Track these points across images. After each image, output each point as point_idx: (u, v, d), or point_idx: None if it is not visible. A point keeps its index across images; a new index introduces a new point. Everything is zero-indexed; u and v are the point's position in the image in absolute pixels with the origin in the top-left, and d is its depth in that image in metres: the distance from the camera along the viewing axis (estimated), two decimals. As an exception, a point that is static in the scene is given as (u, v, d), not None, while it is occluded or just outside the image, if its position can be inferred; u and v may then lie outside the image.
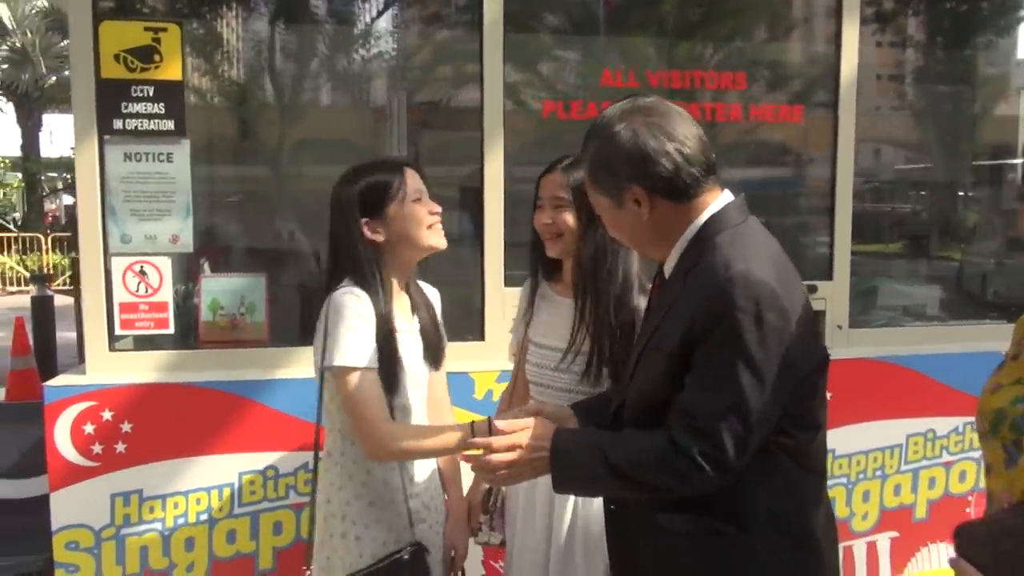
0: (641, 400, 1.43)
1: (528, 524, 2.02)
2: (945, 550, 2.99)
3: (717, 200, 1.38)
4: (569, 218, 1.91)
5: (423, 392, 1.94)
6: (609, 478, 1.37)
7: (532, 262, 2.07)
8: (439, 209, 1.84)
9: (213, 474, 2.43)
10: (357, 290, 1.78)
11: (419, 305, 1.95)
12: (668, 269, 1.42)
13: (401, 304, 1.90)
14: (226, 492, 2.44)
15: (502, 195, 2.61)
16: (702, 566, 1.38)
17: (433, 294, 2.03)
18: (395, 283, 1.88)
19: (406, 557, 1.80)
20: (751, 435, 1.28)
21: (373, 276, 1.81)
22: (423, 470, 1.92)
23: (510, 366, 2.23)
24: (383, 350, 1.77)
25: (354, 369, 1.72)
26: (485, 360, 2.62)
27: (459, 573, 2.01)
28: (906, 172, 3.96)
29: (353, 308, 1.75)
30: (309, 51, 2.81)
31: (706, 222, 1.37)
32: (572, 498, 1.95)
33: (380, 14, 2.90)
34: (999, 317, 3.23)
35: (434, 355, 1.95)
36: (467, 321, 2.66)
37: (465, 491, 2.08)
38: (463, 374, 2.54)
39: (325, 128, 2.94)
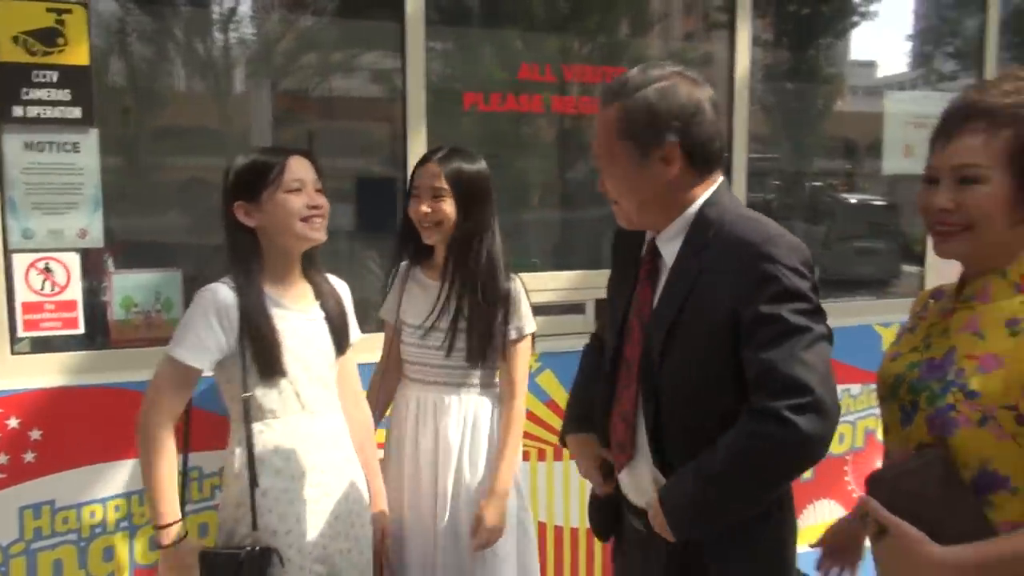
0: (684, 376, 1.44)
1: (415, 504, 2.14)
2: (827, 505, 3.30)
3: (716, 183, 1.49)
4: (447, 207, 2.03)
5: (328, 376, 1.98)
6: (719, 494, 1.37)
7: (401, 248, 2.18)
8: (320, 203, 1.86)
9: (132, 479, 2.32)
10: (219, 284, 1.83)
11: (324, 293, 1.98)
12: (666, 244, 1.50)
13: (297, 291, 1.93)
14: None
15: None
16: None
17: (341, 286, 2.07)
18: (286, 270, 1.91)
19: (240, 557, 1.78)
20: (830, 374, 1.35)
21: (245, 261, 1.84)
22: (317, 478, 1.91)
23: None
24: (253, 337, 1.80)
25: (173, 360, 1.80)
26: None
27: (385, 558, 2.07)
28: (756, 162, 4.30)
29: (199, 305, 1.81)
30: (220, 38, 2.72)
31: (708, 200, 1.47)
32: (453, 470, 2.08)
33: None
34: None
35: (338, 341, 1.99)
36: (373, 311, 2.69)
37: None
38: (372, 364, 2.56)
39: (231, 116, 2.85)
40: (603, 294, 1.79)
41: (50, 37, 2.23)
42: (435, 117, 2.61)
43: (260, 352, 1.81)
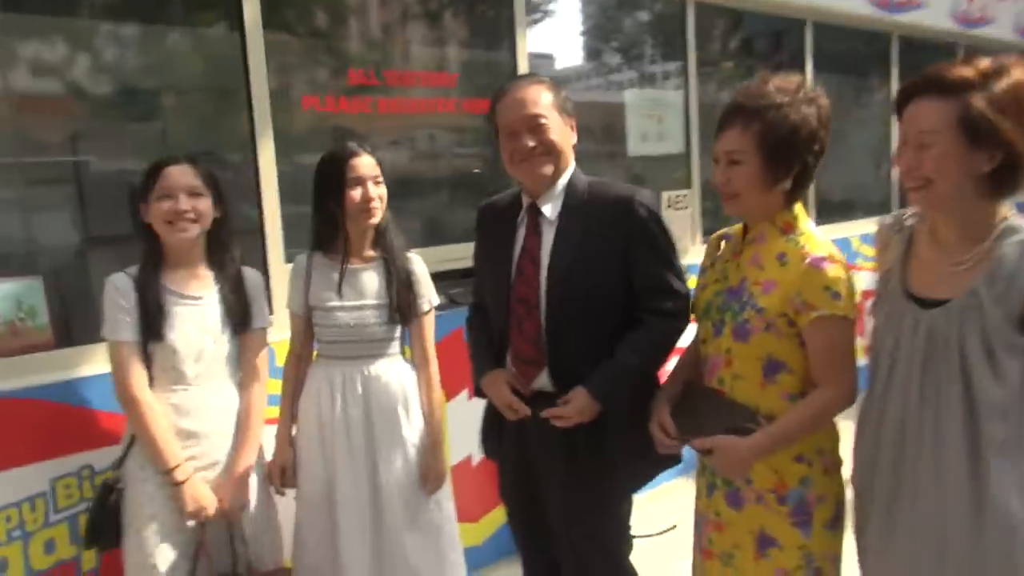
0: (585, 295, 2.00)
1: (347, 468, 2.37)
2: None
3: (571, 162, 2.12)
4: (384, 191, 2.37)
5: (223, 351, 2.26)
6: (648, 367, 2.04)
7: (324, 237, 2.39)
8: (185, 207, 2.14)
9: (21, 486, 2.31)
10: (121, 273, 2.17)
11: (223, 279, 2.27)
12: (546, 204, 2.08)
13: (189, 276, 2.23)
14: (39, 502, 2.34)
15: (276, 185, 2.87)
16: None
17: (252, 275, 2.35)
18: (178, 260, 2.21)
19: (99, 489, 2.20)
20: (684, 279, 2.06)
21: (144, 251, 2.20)
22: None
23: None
24: (144, 318, 2.13)
25: (108, 342, 2.16)
26: (277, 331, 2.87)
27: (203, 526, 2.20)
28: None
29: (105, 292, 2.16)
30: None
31: (573, 173, 2.11)
32: (389, 430, 2.38)
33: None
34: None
35: (234, 322, 2.27)
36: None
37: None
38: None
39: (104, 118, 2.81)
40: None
41: None
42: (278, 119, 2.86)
43: (146, 321, 2.13)
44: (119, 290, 2.14)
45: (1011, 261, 1.54)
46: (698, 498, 2.04)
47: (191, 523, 2.17)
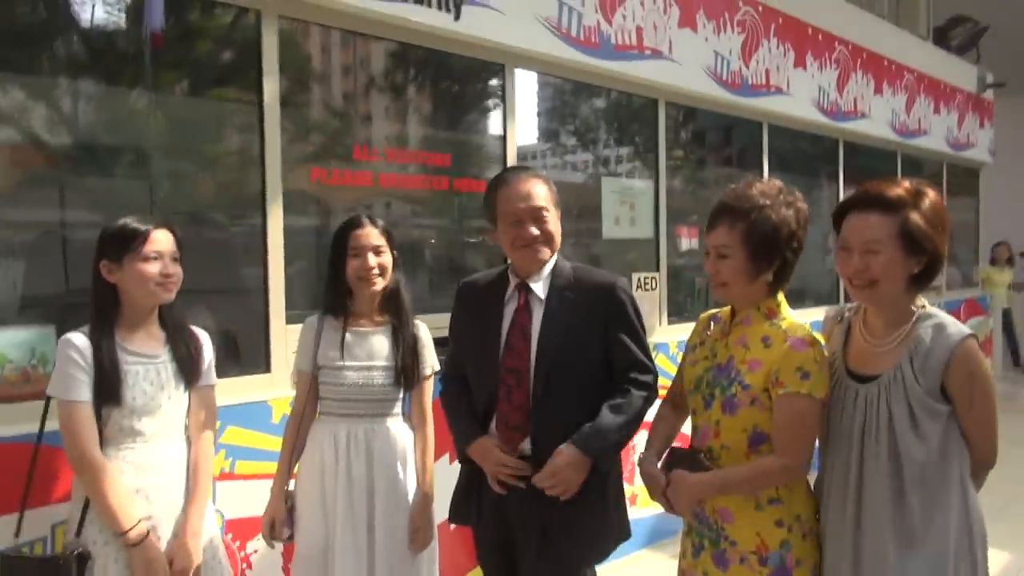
0: (571, 369, 2.21)
1: (347, 522, 2.45)
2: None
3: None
4: (387, 260, 2.53)
5: (178, 408, 2.28)
6: (627, 433, 2.23)
7: (331, 301, 2.53)
8: (172, 272, 2.23)
9: (25, 531, 2.34)
10: (74, 332, 2.17)
11: (174, 339, 2.30)
12: (536, 284, 2.28)
13: (147, 337, 2.26)
14: (37, 547, 2.36)
15: (282, 248, 3.04)
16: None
17: (201, 335, 2.40)
18: (137, 319, 2.23)
19: (59, 560, 2.11)
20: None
21: (101, 310, 2.20)
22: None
23: (292, 393, 2.62)
24: (99, 377, 2.12)
25: (61, 402, 2.13)
26: (274, 389, 2.99)
27: None
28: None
29: (61, 352, 2.15)
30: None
31: (557, 259, 2.34)
32: (385, 488, 2.48)
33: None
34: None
35: (186, 378, 2.29)
36: (253, 356, 3.00)
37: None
38: (261, 403, 2.89)
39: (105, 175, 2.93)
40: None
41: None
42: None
43: (102, 383, 2.12)
44: (78, 349, 2.12)
45: (927, 341, 1.87)
46: (683, 557, 2.19)
47: None
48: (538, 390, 2.22)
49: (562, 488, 2.15)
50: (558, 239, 2.31)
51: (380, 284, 2.51)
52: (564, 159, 4.86)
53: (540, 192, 2.27)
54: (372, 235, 2.49)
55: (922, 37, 7.94)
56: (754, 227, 1.97)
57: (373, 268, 2.47)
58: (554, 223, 2.29)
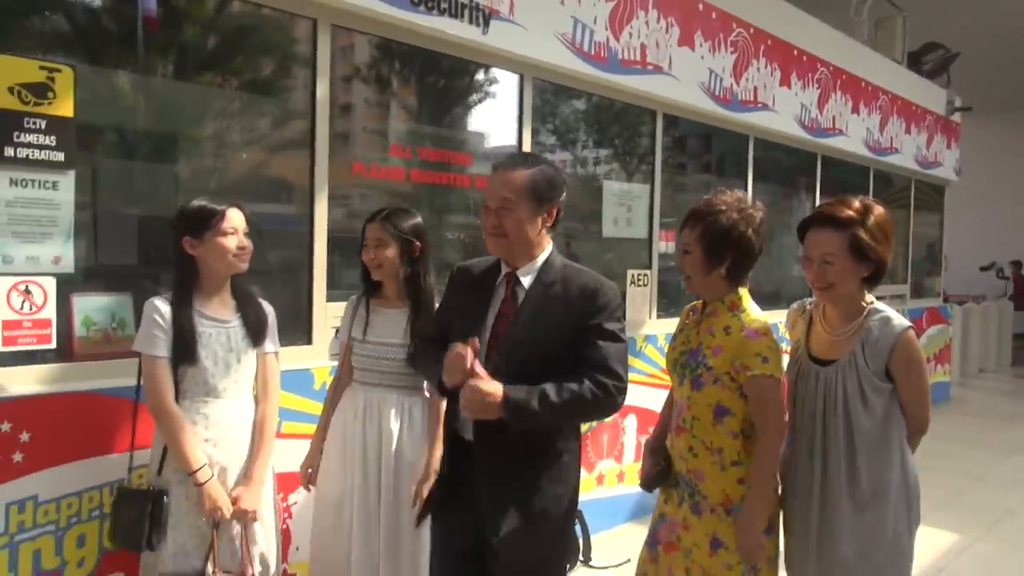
0: (538, 358, 2.16)
1: (361, 476, 2.76)
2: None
3: (549, 243, 2.33)
4: (388, 253, 2.80)
5: (246, 368, 2.60)
6: (547, 415, 2.07)
7: (364, 284, 2.90)
8: (246, 244, 2.57)
9: (104, 472, 2.66)
10: (156, 297, 2.51)
11: (244, 306, 2.64)
12: (524, 276, 2.26)
13: (219, 303, 2.59)
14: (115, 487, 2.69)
15: (326, 234, 3.37)
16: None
17: (267, 307, 2.73)
18: (213, 289, 2.56)
19: (145, 494, 2.47)
20: (627, 372, 2.26)
21: (182, 279, 2.54)
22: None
23: (334, 363, 2.95)
24: (177, 337, 2.44)
25: (142, 356, 2.47)
26: (315, 359, 3.33)
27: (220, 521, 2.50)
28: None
29: (145, 312, 2.50)
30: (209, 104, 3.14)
31: (550, 253, 2.31)
32: (393, 453, 2.74)
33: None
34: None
35: (253, 342, 2.63)
36: (297, 329, 3.33)
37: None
38: (305, 370, 3.23)
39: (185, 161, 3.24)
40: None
41: (41, 91, 2.58)
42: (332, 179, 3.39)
43: (179, 343, 2.45)
44: (160, 312, 2.45)
45: (875, 332, 2.33)
46: (666, 502, 2.52)
47: (204, 520, 2.47)
48: (502, 378, 2.13)
49: (464, 403, 2.12)
50: (524, 234, 2.20)
51: (377, 275, 2.82)
52: (569, 162, 5.23)
53: (512, 180, 2.19)
54: (377, 228, 2.80)
55: (897, 61, 8.44)
56: (708, 228, 2.33)
57: (372, 258, 2.80)
58: (514, 220, 2.19)
